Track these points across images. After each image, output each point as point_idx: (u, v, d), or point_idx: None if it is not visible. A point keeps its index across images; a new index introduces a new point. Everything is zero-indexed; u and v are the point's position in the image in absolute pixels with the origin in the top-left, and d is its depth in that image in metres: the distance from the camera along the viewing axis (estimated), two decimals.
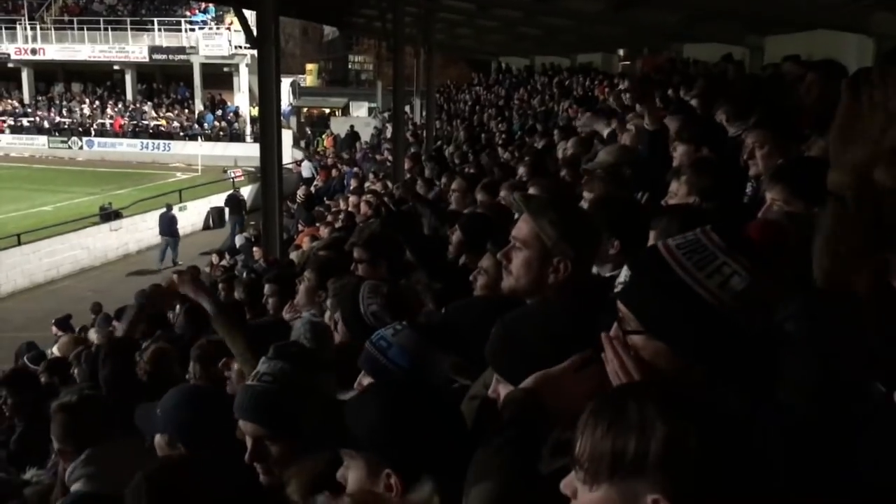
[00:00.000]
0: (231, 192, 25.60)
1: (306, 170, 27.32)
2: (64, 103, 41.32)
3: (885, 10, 7.51)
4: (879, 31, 7.49)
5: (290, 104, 40.59)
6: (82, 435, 3.03)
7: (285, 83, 36.49)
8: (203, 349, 3.77)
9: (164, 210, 22.23)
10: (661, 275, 1.42)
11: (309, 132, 37.96)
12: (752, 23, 11.14)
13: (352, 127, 32.82)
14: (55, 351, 10.02)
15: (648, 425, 1.09)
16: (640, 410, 1.11)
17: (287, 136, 29.97)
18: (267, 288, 5.67)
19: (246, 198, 25.59)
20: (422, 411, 1.60)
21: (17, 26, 40.70)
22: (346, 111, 39.18)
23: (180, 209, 25.41)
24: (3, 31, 40.89)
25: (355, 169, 21.75)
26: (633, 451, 1.09)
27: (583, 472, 1.15)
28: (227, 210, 24.77)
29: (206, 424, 2.41)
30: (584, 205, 3.64)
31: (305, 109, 40.97)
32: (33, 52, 40.74)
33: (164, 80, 42.33)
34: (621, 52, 20.78)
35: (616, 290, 1.49)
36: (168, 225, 21.80)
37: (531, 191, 4.53)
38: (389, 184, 13.92)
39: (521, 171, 6.42)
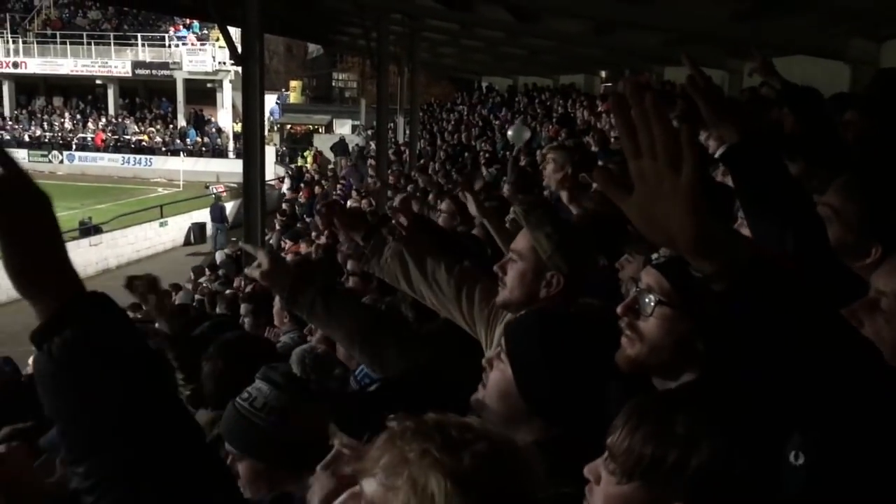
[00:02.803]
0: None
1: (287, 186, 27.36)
2: (45, 117, 41.06)
3: (861, 37, 7.68)
4: (855, 57, 7.65)
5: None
6: None
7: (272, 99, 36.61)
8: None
9: (213, 201, 25.35)
10: None
11: (284, 149, 37.80)
12: (731, 47, 11.31)
13: (343, 138, 32.75)
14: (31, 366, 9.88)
15: (694, 441, 1.13)
16: (688, 425, 1.14)
17: (270, 153, 29.95)
18: (242, 308, 5.64)
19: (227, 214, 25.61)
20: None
21: None
22: (329, 128, 39.18)
23: (161, 225, 25.32)
24: None
25: (339, 185, 21.73)
26: (673, 461, 1.13)
27: (615, 464, 1.17)
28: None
29: None
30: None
31: (289, 126, 40.97)
32: (15, 65, 40.46)
33: (147, 94, 42.18)
34: (603, 73, 20.99)
35: (655, 262, 1.52)
36: (219, 213, 24.35)
37: (513, 208, 4.56)
38: (373, 201, 13.93)
39: (505, 188, 6.46)
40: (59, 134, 39.67)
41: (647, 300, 1.49)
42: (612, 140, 9.64)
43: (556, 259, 2.11)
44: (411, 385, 1.93)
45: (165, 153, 37.78)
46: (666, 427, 1.15)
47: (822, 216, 1.88)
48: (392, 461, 1.07)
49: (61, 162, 38.16)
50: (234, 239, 20.60)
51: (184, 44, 39.44)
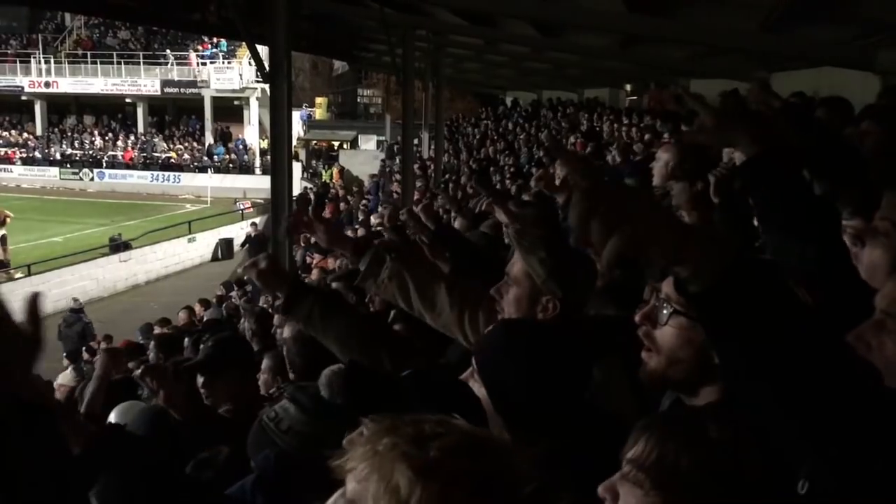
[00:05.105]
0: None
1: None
2: (76, 135, 41.79)
3: (891, 48, 7.58)
4: (885, 68, 7.55)
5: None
6: None
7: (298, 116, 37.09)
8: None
9: None
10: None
11: (314, 165, 38.11)
12: (758, 59, 11.24)
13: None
14: (61, 381, 10.13)
15: (736, 447, 1.12)
16: (722, 431, 1.13)
17: (296, 168, 30.23)
18: (276, 319, 5.68)
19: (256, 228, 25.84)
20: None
21: (32, 60, 41.34)
22: (354, 144, 39.44)
23: (189, 241, 25.60)
24: (18, 64, 41.53)
25: (364, 201, 21.86)
26: (710, 468, 1.11)
27: (644, 476, 1.14)
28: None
29: None
30: None
31: (315, 142, 41.33)
32: (47, 84, 41.31)
33: (176, 112, 42.81)
34: (628, 87, 20.94)
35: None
36: None
37: (507, 231, 4.46)
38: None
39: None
40: (90, 152, 40.34)
41: (663, 309, 1.49)
42: (635, 151, 9.61)
43: (551, 284, 2.09)
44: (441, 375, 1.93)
45: (193, 170, 38.29)
46: (699, 434, 1.14)
47: (882, 231, 1.78)
48: (364, 456, 1.09)
49: (92, 179, 38.82)
50: (262, 254, 20.76)
51: (212, 62, 40.04)
